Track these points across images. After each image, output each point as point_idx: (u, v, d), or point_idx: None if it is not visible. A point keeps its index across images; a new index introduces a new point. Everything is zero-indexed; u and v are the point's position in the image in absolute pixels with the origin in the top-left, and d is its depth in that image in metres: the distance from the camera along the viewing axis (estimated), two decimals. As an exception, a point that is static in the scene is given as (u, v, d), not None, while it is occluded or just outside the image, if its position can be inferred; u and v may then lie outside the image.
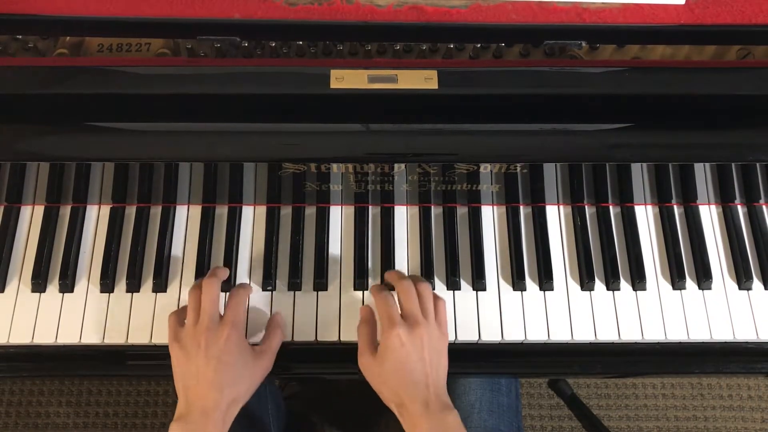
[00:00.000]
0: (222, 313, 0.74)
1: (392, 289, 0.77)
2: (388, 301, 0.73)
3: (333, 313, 0.81)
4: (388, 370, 0.70)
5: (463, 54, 0.76)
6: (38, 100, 0.71)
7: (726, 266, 0.85)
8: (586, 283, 0.82)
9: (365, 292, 0.82)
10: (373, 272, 0.83)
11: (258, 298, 0.81)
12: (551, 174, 0.82)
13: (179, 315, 0.75)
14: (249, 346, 0.74)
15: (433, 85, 0.70)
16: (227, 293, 0.79)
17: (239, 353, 0.71)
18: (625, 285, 0.83)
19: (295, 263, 0.82)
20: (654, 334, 0.80)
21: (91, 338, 0.79)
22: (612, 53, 0.76)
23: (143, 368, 0.82)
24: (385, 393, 0.71)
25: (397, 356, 0.69)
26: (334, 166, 0.77)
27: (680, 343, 0.81)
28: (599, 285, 0.83)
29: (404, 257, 0.84)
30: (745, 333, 0.81)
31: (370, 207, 0.86)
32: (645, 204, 0.87)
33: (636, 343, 0.81)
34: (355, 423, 1.26)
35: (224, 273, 0.79)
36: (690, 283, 0.83)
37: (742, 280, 0.83)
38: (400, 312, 0.73)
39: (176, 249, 0.84)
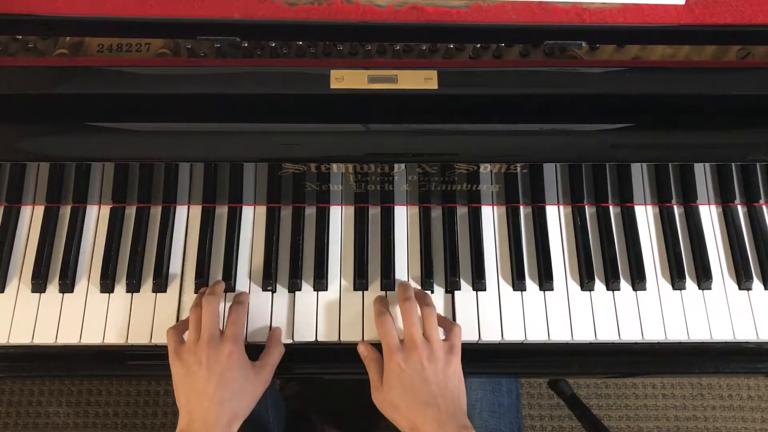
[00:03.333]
0: (222, 329, 0.75)
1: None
2: (386, 328, 0.74)
3: (333, 314, 0.81)
4: (394, 396, 0.71)
5: (463, 54, 0.76)
6: (38, 100, 0.71)
7: (726, 266, 0.85)
8: (586, 283, 0.82)
9: (365, 292, 0.82)
10: (372, 272, 0.83)
11: (258, 298, 0.81)
12: (551, 174, 0.82)
13: (178, 330, 0.76)
14: (249, 362, 0.74)
15: (433, 85, 0.70)
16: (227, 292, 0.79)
17: (240, 369, 0.72)
18: (625, 285, 0.83)
19: (295, 263, 0.82)
20: (654, 334, 0.80)
21: (91, 338, 0.79)
22: (612, 53, 0.76)
23: (143, 368, 0.82)
24: (399, 420, 0.71)
25: (400, 380, 0.70)
26: (334, 166, 0.77)
27: (680, 343, 0.81)
28: (599, 285, 0.83)
29: (404, 257, 0.84)
30: (745, 333, 0.81)
31: (370, 207, 0.86)
32: (645, 204, 0.87)
33: (636, 343, 0.81)
34: (355, 423, 1.26)
35: (222, 287, 0.79)
36: (690, 283, 0.83)
37: (742, 280, 0.83)
38: (401, 336, 0.74)
39: (176, 249, 0.84)
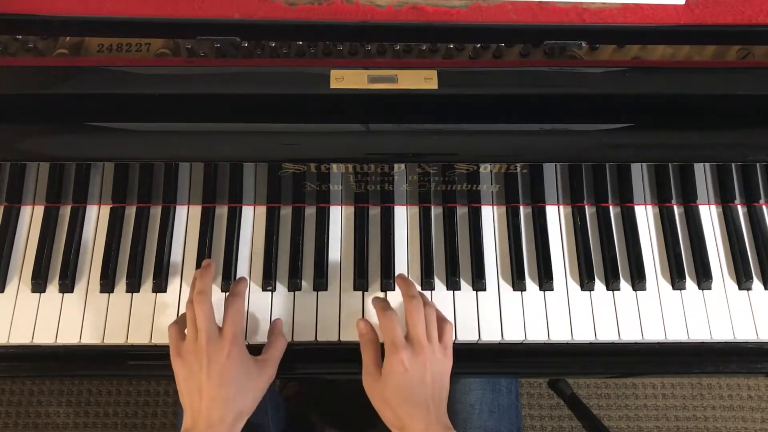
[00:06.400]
0: (221, 325, 0.73)
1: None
2: (393, 324, 0.72)
3: (333, 313, 0.81)
4: (390, 393, 0.70)
5: (463, 54, 0.76)
6: (38, 100, 0.71)
7: (726, 266, 0.85)
8: (586, 283, 0.82)
9: (365, 292, 0.82)
10: (372, 272, 0.83)
11: (258, 298, 0.81)
12: (551, 174, 0.82)
13: (179, 326, 0.74)
14: (251, 358, 0.73)
15: (433, 85, 0.70)
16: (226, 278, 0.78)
17: (242, 366, 0.71)
18: (625, 285, 0.83)
19: (295, 263, 0.82)
20: (654, 334, 0.80)
21: (91, 338, 0.79)
22: (612, 53, 0.76)
23: (143, 368, 0.82)
24: (387, 415, 0.71)
25: (400, 380, 0.70)
26: (334, 166, 0.77)
27: (680, 343, 0.81)
28: (599, 285, 0.83)
29: (404, 257, 0.84)
30: (745, 333, 0.81)
31: (370, 207, 0.86)
32: (645, 204, 0.87)
33: (636, 343, 0.81)
34: (355, 423, 1.26)
35: (210, 281, 0.75)
36: (690, 283, 0.83)
37: (742, 280, 0.83)
38: (404, 333, 0.73)
39: (176, 249, 0.84)
